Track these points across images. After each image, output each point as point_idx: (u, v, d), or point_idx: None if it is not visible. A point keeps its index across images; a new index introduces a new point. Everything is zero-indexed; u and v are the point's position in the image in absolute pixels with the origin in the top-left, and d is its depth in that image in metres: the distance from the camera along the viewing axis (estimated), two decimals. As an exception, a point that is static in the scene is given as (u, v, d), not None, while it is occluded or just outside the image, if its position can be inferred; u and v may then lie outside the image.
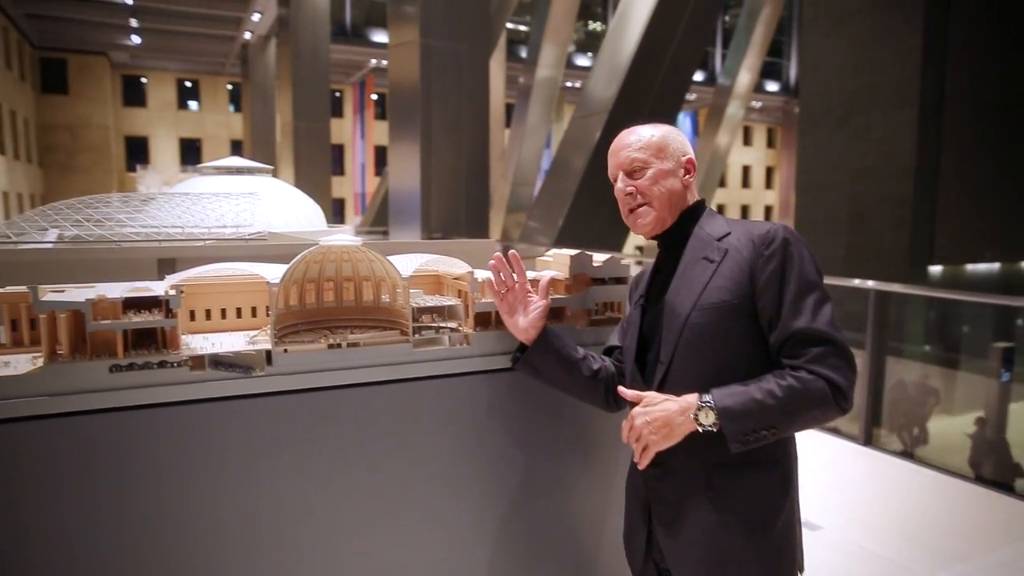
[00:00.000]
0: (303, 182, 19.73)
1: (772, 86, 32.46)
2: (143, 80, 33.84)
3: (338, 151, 33.41)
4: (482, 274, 2.06)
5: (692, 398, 1.53)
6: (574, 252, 2.13)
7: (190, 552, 1.64)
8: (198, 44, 30.00)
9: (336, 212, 32.73)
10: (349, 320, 1.96)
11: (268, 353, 1.69)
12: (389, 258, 1.93)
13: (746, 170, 41.78)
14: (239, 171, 3.33)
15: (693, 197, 1.74)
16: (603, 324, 2.10)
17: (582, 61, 27.60)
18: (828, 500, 4.00)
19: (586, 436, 2.09)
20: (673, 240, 1.72)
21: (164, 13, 25.25)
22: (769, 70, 31.04)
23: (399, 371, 1.84)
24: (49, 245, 2.30)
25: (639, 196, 1.68)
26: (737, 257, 1.58)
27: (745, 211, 41.49)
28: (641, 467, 1.59)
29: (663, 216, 1.69)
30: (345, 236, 1.83)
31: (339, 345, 1.78)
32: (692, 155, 1.74)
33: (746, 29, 24.79)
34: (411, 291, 1.96)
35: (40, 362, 1.52)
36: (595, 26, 29.70)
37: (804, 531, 3.53)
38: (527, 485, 2.03)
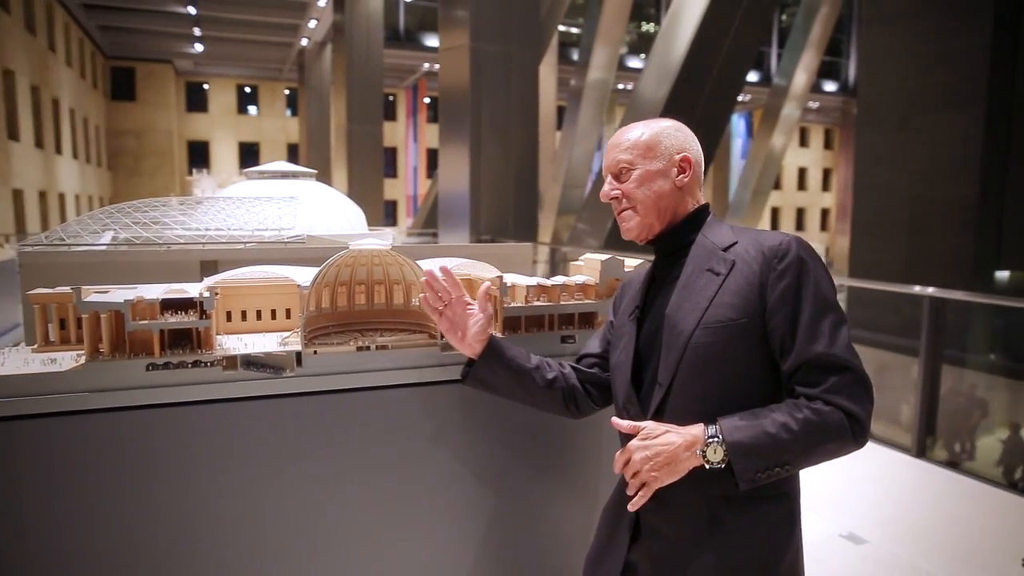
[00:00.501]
0: (356, 184, 20.09)
1: (830, 86, 31.62)
2: (205, 86, 35.00)
3: (391, 154, 33.91)
4: (511, 278, 2.08)
5: (698, 431, 1.41)
6: (605, 256, 2.13)
7: (218, 547, 1.69)
8: (257, 51, 30.85)
9: (388, 214, 33.22)
10: (380, 323, 2.00)
11: (298, 354, 1.74)
12: (420, 262, 1.96)
13: (802, 172, 40.79)
14: (284, 175, 3.42)
15: (695, 200, 1.63)
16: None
17: (634, 63, 27.38)
18: (875, 513, 3.88)
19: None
20: (672, 247, 1.62)
21: (226, 22, 26.06)
22: (827, 69, 30.24)
23: (426, 374, 1.86)
24: (101, 247, 2.41)
25: (624, 200, 1.60)
26: (746, 270, 1.47)
27: (800, 214, 40.49)
28: (635, 507, 1.45)
29: (649, 221, 1.60)
30: (374, 240, 1.86)
31: (368, 348, 1.82)
32: (690, 153, 1.60)
33: (803, 28, 24.21)
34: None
35: (83, 359, 1.59)
36: (648, 27, 29.43)
37: (848, 544, 3.43)
38: (553, 488, 2.03)
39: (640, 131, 1.60)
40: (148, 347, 1.62)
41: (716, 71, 11.43)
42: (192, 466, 1.65)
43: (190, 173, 32.76)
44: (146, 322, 1.60)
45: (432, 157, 30.27)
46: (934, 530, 3.71)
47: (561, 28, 22.82)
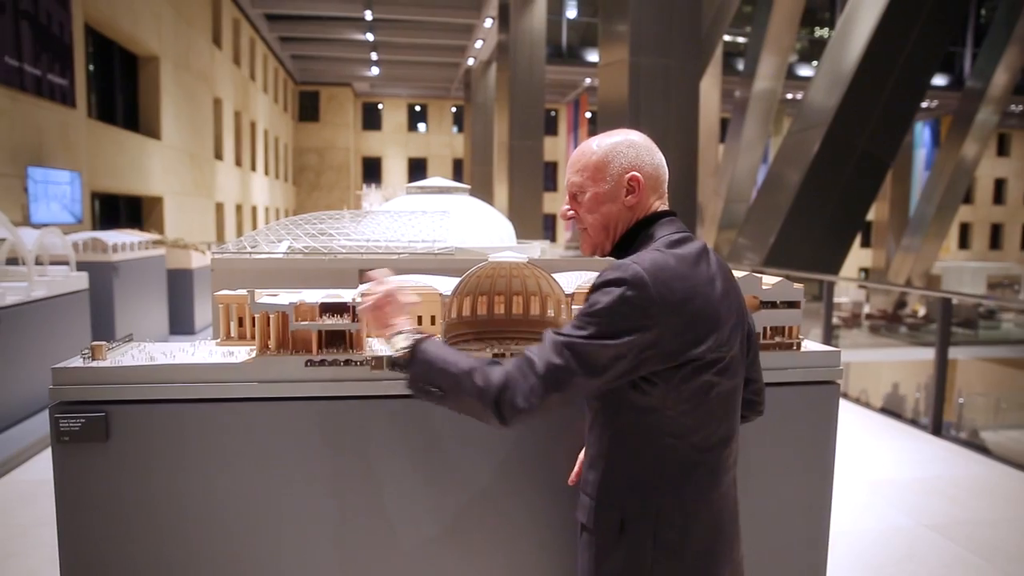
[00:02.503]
0: (516, 198, 20.60)
1: (1038, 87, 28.20)
2: (379, 106, 37.58)
3: (552, 168, 34.56)
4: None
5: (405, 323, 1.60)
6: (744, 273, 2.08)
7: (359, 531, 1.84)
8: (427, 72, 32.69)
9: (547, 227, 33.80)
10: (516, 332, 2.08)
11: (438, 358, 1.86)
12: (555, 275, 2.02)
13: (999, 184, 36.72)
14: (440, 190, 3.62)
15: (647, 211, 1.61)
16: (770, 349, 2.03)
17: (805, 71, 26.03)
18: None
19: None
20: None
21: (399, 46, 27.87)
22: (1035, 69, 27.01)
23: (558, 383, 1.92)
24: (278, 255, 2.69)
25: (579, 221, 1.64)
26: None
27: (996, 231, 36.42)
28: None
29: (599, 242, 1.63)
30: (512, 253, 1.95)
31: (503, 354, 1.90)
32: (640, 170, 1.58)
33: (1005, 22, 21.83)
34: (574, 307, 2.04)
35: (254, 354, 1.81)
36: (821, 32, 27.87)
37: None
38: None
39: (593, 149, 1.61)
40: (308, 345, 1.81)
41: (896, 76, 10.62)
42: (340, 455, 1.82)
43: (361, 188, 35.31)
44: (306, 323, 1.79)
45: (591, 171, 30.41)
46: None
47: (726, 38, 22.17)
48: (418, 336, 1.56)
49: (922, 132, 31.03)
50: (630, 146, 1.59)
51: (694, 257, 1.50)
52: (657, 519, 1.49)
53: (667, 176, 1.64)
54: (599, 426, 1.57)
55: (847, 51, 10.78)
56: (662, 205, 1.63)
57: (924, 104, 26.90)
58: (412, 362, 1.53)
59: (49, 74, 10.37)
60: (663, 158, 1.63)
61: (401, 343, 1.56)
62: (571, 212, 1.66)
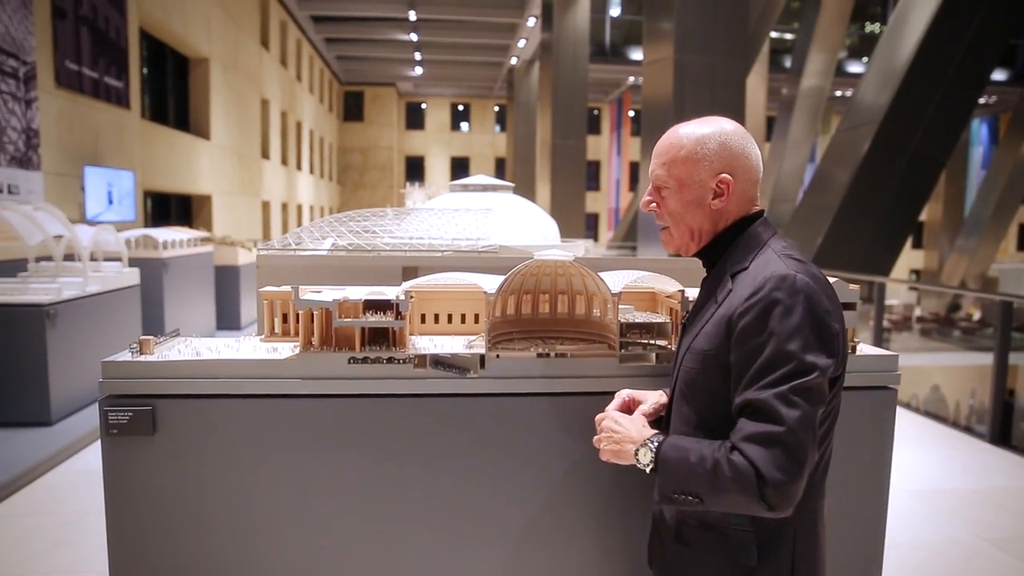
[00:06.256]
0: (558, 197, 20.51)
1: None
2: (423, 106, 37.87)
3: (594, 167, 34.35)
4: (693, 292, 2.03)
5: (647, 433, 1.47)
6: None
7: (396, 529, 1.83)
8: (470, 71, 32.81)
9: (590, 227, 33.62)
10: (561, 332, 2.05)
11: (482, 357, 1.83)
12: (602, 274, 1.98)
13: (1064, 183, 35.23)
14: (484, 188, 3.61)
15: (739, 214, 1.50)
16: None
17: (855, 68, 25.36)
18: None
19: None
20: (711, 263, 1.55)
21: (443, 46, 28.02)
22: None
23: (604, 384, 1.87)
24: (322, 252, 2.70)
25: (661, 217, 1.55)
26: (731, 300, 1.40)
27: (1059, 232, 34.98)
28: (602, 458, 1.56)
29: (684, 242, 1.53)
30: (558, 252, 1.92)
31: (547, 354, 1.87)
32: (732, 171, 1.46)
33: (1070, 17, 20.94)
34: (622, 307, 2.00)
35: (298, 350, 1.80)
36: (872, 28, 27.14)
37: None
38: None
39: (682, 143, 1.49)
40: (351, 342, 1.80)
41: (952, 71, 10.26)
42: (382, 453, 1.80)
43: (404, 186, 35.67)
44: (350, 320, 1.78)
45: (635, 170, 30.19)
46: None
47: (773, 35, 21.76)
48: (653, 445, 1.42)
49: (979, 129, 29.97)
50: (723, 142, 1.47)
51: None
52: (794, 541, 1.43)
53: (761, 172, 1.53)
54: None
55: (900, 46, 10.46)
56: (754, 205, 1.53)
57: (981, 100, 26.00)
58: (659, 473, 1.41)
59: (106, 77, 10.67)
60: (758, 151, 1.51)
61: (645, 460, 1.43)
62: (653, 204, 1.55)
